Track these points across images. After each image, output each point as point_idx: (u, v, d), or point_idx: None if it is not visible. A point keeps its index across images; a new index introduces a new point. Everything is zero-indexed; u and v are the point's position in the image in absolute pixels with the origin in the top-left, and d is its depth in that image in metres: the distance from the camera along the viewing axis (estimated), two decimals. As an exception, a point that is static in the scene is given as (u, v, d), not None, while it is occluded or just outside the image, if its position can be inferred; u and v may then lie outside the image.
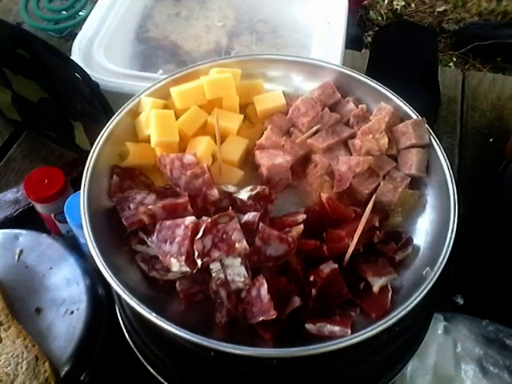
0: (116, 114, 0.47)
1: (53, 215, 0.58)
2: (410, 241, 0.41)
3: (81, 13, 0.90)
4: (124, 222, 0.41)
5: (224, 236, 0.37)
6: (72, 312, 0.52)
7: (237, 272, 0.37)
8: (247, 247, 0.36)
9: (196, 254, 0.36)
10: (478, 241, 0.63)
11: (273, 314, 0.35)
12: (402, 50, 0.72)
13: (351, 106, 0.49)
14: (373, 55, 0.74)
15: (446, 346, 0.51)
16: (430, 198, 0.44)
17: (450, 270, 0.60)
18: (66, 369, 0.48)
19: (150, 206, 0.39)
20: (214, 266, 0.37)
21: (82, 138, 0.68)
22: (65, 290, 0.53)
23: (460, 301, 0.58)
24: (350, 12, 1.27)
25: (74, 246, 0.58)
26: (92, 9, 0.76)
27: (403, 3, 2.29)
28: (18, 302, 0.53)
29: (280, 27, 0.71)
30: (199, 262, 0.36)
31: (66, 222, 0.58)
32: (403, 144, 0.45)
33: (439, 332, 0.51)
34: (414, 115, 0.46)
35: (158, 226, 0.39)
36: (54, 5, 0.89)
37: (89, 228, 0.38)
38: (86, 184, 0.42)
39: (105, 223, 0.41)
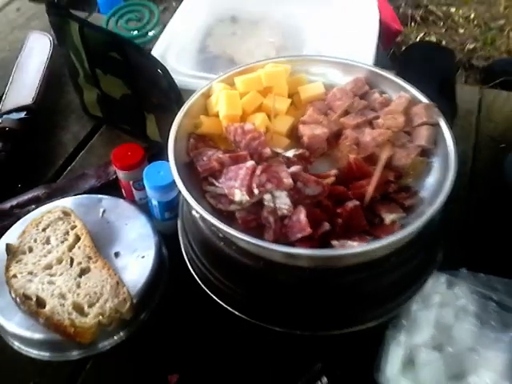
0: (192, 96, 0.61)
1: (131, 182, 0.72)
2: (417, 192, 0.53)
3: (150, 33, 1.07)
4: (199, 169, 0.54)
5: (275, 174, 0.50)
6: (143, 257, 0.65)
7: (283, 202, 0.49)
8: (292, 183, 0.49)
9: (254, 186, 0.49)
10: (486, 224, 0.74)
11: (308, 232, 0.47)
12: (423, 66, 0.85)
13: (377, 95, 0.62)
14: (397, 70, 0.87)
15: (447, 297, 0.61)
16: (436, 164, 0.55)
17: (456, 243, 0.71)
18: (134, 300, 0.60)
19: (220, 155, 0.53)
20: (266, 197, 0.50)
21: (152, 129, 0.83)
22: (137, 240, 0.67)
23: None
24: (384, 48, 1.42)
25: (145, 210, 0.71)
26: (161, 30, 0.92)
27: (435, 40, 2.41)
28: (102, 247, 0.66)
29: (320, 43, 0.85)
30: (256, 191, 0.49)
31: (141, 190, 0.72)
32: (416, 122, 0.57)
33: (442, 285, 0.62)
34: (426, 100, 0.58)
35: (225, 170, 0.52)
36: (130, 24, 1.06)
37: (177, 176, 0.51)
38: (172, 144, 0.55)
39: (184, 172, 0.54)
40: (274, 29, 0.91)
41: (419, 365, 0.57)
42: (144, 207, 0.72)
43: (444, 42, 2.44)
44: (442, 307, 0.61)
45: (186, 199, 0.50)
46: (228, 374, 0.58)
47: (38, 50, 1.02)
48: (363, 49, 0.80)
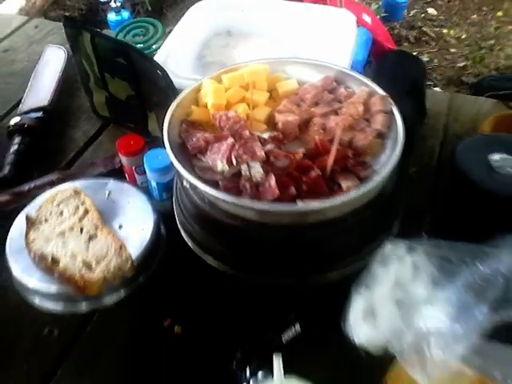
0: (184, 90, 0.72)
1: (133, 167, 0.83)
2: (371, 166, 0.63)
3: (154, 46, 1.19)
4: (189, 147, 0.65)
5: (250, 149, 0.60)
6: (143, 229, 0.75)
7: (257, 171, 0.60)
8: (264, 155, 0.60)
9: (233, 158, 0.60)
10: (448, 207, 0.84)
11: (277, 194, 0.57)
12: (394, 72, 0.96)
13: (342, 90, 0.72)
14: (372, 75, 0.98)
15: (405, 260, 0.70)
16: (388, 144, 0.66)
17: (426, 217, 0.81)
18: (135, 263, 0.71)
19: (206, 135, 0.63)
20: (243, 167, 0.60)
21: (153, 125, 0.94)
22: (138, 216, 0.77)
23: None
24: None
25: (145, 192, 0.82)
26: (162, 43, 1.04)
27: (427, 59, 2.54)
28: (107, 221, 0.76)
29: (302, 51, 0.96)
30: (234, 162, 0.60)
31: (142, 174, 0.83)
32: (373, 110, 0.68)
33: (402, 249, 0.71)
34: (382, 93, 0.69)
35: (210, 146, 0.63)
36: (136, 39, 1.19)
37: (170, 151, 0.62)
38: (166, 129, 0.66)
39: (177, 151, 0.64)
40: (262, 40, 1.03)
41: (378, 315, 0.66)
42: (144, 190, 0.82)
43: (436, 61, 2.56)
44: (400, 267, 0.70)
45: (178, 171, 0.61)
46: (216, 322, 0.68)
47: (53, 60, 1.14)
48: (341, 54, 0.91)
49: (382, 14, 2.69)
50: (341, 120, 0.66)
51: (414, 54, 2.54)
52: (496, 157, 0.74)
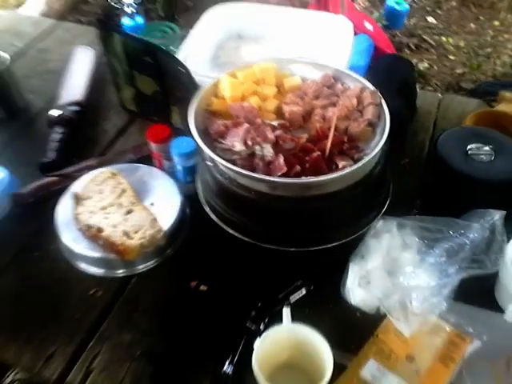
0: (205, 85, 0.85)
1: (162, 153, 0.96)
2: (363, 150, 0.76)
3: (171, 47, 1.32)
4: (211, 132, 0.78)
5: (263, 133, 0.73)
6: (172, 206, 0.88)
7: (268, 151, 0.73)
8: (274, 138, 0.73)
9: (248, 140, 0.73)
10: (435, 190, 0.95)
11: (284, 169, 0.70)
12: (388, 73, 1.09)
13: (339, 86, 0.86)
14: (369, 76, 1.11)
15: (396, 235, 0.82)
16: (378, 131, 0.79)
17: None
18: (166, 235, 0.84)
19: (225, 122, 0.77)
20: (257, 148, 0.73)
21: (176, 118, 1.07)
22: (166, 196, 0.90)
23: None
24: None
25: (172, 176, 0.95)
26: (180, 45, 1.17)
27: (427, 65, 2.66)
28: (141, 199, 0.89)
29: (305, 52, 1.09)
30: (250, 143, 0.73)
31: (169, 160, 0.95)
32: (365, 103, 0.81)
33: (393, 226, 0.83)
34: (372, 88, 0.82)
35: (229, 131, 0.76)
36: (155, 41, 1.31)
37: (195, 132, 0.75)
38: (192, 116, 0.79)
39: (201, 135, 0.77)
40: (270, 42, 1.16)
41: (371, 281, 0.79)
42: (171, 174, 0.95)
43: (436, 67, 2.68)
44: (392, 241, 0.82)
45: (203, 152, 0.74)
46: (235, 284, 0.80)
47: (83, 60, 1.28)
48: (339, 55, 1.04)
49: (384, 22, 2.81)
50: (337, 110, 0.79)
51: (415, 60, 2.67)
52: (472, 146, 0.86)
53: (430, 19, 2.98)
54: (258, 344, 0.64)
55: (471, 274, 0.69)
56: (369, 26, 2.33)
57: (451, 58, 2.69)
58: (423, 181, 0.97)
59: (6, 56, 1.13)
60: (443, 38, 2.82)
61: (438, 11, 3.04)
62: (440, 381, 0.68)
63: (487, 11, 3.00)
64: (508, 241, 0.73)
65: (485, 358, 0.71)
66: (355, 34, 1.58)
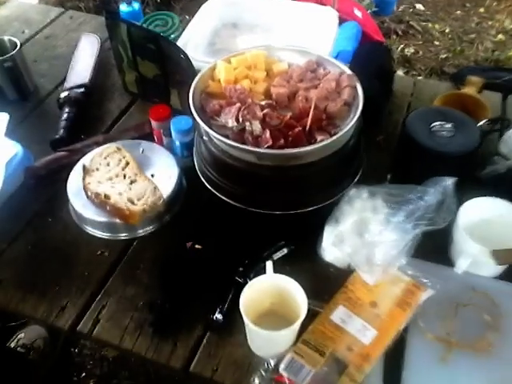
0: (203, 69, 0.96)
1: (162, 130, 1.07)
2: (339, 126, 0.88)
3: (172, 35, 1.43)
4: (207, 110, 0.89)
5: (252, 111, 0.85)
6: (170, 177, 1.00)
7: (257, 127, 0.84)
8: (262, 116, 0.84)
9: (239, 117, 0.84)
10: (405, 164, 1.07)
11: (270, 142, 0.81)
12: (367, 59, 1.20)
13: (321, 70, 0.97)
14: (351, 61, 1.22)
15: (366, 202, 0.94)
16: (353, 110, 0.90)
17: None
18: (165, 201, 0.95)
19: (220, 101, 0.88)
20: (247, 124, 0.84)
21: (175, 100, 1.18)
22: (166, 168, 1.00)
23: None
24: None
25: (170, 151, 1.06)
26: (180, 33, 1.28)
27: (413, 50, 2.77)
28: (143, 171, 1.01)
29: (293, 39, 1.20)
30: (241, 119, 0.84)
31: (168, 137, 1.07)
32: (342, 85, 0.92)
33: (365, 193, 0.95)
34: (349, 72, 0.93)
35: (223, 110, 0.87)
36: (156, 29, 1.42)
37: (193, 110, 0.87)
38: (191, 96, 0.90)
39: (199, 112, 0.89)
40: (261, 31, 1.27)
41: (344, 241, 0.91)
42: (169, 149, 1.06)
43: (421, 52, 2.79)
44: (362, 206, 0.94)
45: (200, 127, 0.86)
46: (225, 244, 0.92)
47: (88, 46, 1.38)
48: (323, 43, 1.16)
49: (373, 9, 2.91)
50: (318, 92, 0.91)
51: (401, 45, 2.78)
52: (435, 124, 0.98)
53: (418, 6, 3.08)
54: (244, 291, 0.76)
55: (424, 230, 0.81)
56: (358, 13, 2.43)
57: (436, 43, 2.80)
58: (395, 156, 1.08)
59: (17, 42, 1.23)
60: (430, 25, 2.93)
61: (427, -2, 3.14)
62: (397, 323, 0.81)
63: (473, -2, 3.11)
64: (459, 203, 0.86)
65: (437, 304, 0.83)
66: (345, 20, 1.70)
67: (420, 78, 2.34)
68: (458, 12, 3.02)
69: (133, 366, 1.56)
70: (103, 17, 1.18)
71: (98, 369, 1.56)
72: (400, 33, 2.88)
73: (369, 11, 2.82)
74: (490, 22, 2.91)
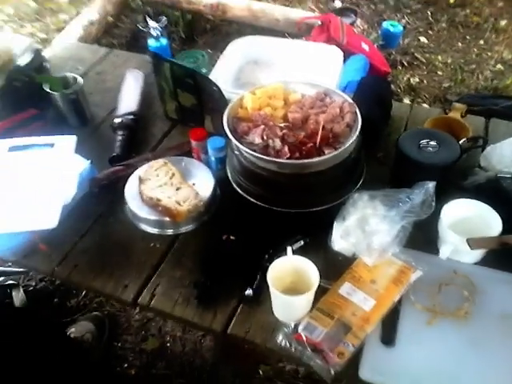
0: (233, 99, 1.21)
1: (200, 149, 1.31)
2: (344, 142, 1.11)
3: (203, 69, 1.68)
4: (238, 131, 1.13)
5: (273, 131, 1.09)
6: (207, 185, 1.23)
7: (278, 143, 1.07)
8: (281, 135, 1.08)
9: (264, 136, 1.08)
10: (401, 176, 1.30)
11: (288, 155, 1.05)
12: (370, 89, 1.44)
13: (328, 99, 1.21)
14: (355, 91, 1.46)
15: (367, 203, 1.17)
16: (353, 130, 1.13)
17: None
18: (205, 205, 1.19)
19: (248, 124, 1.12)
20: (270, 141, 1.08)
21: (208, 124, 1.43)
22: (204, 179, 1.24)
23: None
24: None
25: (207, 165, 1.30)
26: (209, 68, 1.54)
27: (418, 80, 3.01)
28: (185, 181, 1.25)
29: (304, 74, 1.44)
30: (265, 137, 1.08)
31: (205, 154, 1.31)
32: (345, 111, 1.16)
33: (366, 196, 1.17)
34: (350, 101, 1.17)
35: (251, 130, 1.11)
36: (190, 65, 1.68)
37: (228, 131, 1.11)
38: (226, 120, 1.15)
39: (232, 132, 1.13)
40: (279, 68, 1.52)
41: (350, 235, 1.13)
42: (206, 164, 1.30)
43: (425, 82, 3.03)
44: (364, 207, 1.16)
45: (233, 143, 1.10)
46: (254, 237, 1.14)
47: (133, 80, 1.64)
48: (330, 77, 1.40)
49: (380, 43, 3.18)
50: (325, 116, 1.14)
51: (407, 76, 3.02)
52: (423, 141, 1.21)
53: (422, 39, 3.33)
54: (270, 267, 0.99)
55: (410, 221, 1.04)
56: (365, 47, 2.70)
57: (439, 73, 3.04)
58: (392, 169, 1.31)
59: (80, 79, 1.50)
60: (433, 56, 3.17)
61: (430, 32, 3.40)
62: (392, 295, 1.02)
63: (473, 31, 3.36)
64: (442, 203, 1.08)
65: (424, 283, 1.05)
66: (353, 53, 1.96)
67: (417, 105, 2.57)
68: (460, 44, 3.26)
69: (169, 357, 1.77)
70: (143, 54, 1.43)
71: (137, 360, 1.78)
72: (406, 64, 3.12)
73: (376, 45, 3.10)
74: (489, 53, 3.15)
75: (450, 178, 1.20)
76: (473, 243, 1.03)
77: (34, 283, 2.03)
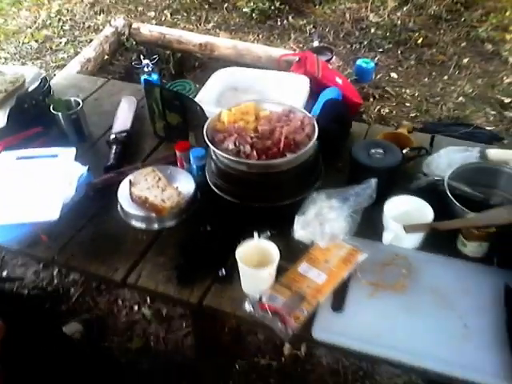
0: (213, 115, 1.44)
1: (184, 158, 1.53)
2: (303, 148, 1.34)
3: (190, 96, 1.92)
4: (216, 140, 1.35)
5: (244, 139, 1.31)
6: (188, 188, 1.45)
7: (248, 149, 1.30)
8: (251, 142, 1.30)
9: (236, 143, 1.31)
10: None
11: (256, 158, 1.27)
12: (328, 109, 1.68)
13: (292, 115, 1.44)
14: (319, 112, 1.69)
15: (325, 201, 1.38)
16: (312, 139, 1.36)
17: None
18: (186, 203, 1.41)
19: (224, 134, 1.35)
20: (241, 147, 1.30)
21: (192, 140, 1.65)
22: (186, 183, 1.46)
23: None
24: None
25: (189, 173, 1.52)
26: (195, 95, 1.78)
27: (388, 110, 3.28)
28: (170, 184, 1.46)
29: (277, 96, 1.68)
30: (237, 144, 1.30)
31: (188, 163, 1.53)
32: (305, 124, 1.39)
33: (323, 195, 1.38)
34: (310, 116, 1.40)
35: (226, 138, 1.34)
36: (177, 89, 1.92)
37: (207, 139, 1.33)
38: (205, 131, 1.37)
39: (211, 141, 1.35)
40: (255, 92, 1.76)
41: (309, 226, 1.33)
42: (188, 171, 1.52)
43: (394, 112, 3.30)
44: (321, 203, 1.37)
45: (212, 150, 1.32)
46: (228, 227, 1.35)
47: (127, 104, 1.87)
48: (298, 99, 1.64)
49: (354, 77, 3.47)
50: (288, 128, 1.37)
51: (378, 107, 3.29)
52: (372, 150, 1.44)
53: (393, 74, 3.63)
54: (239, 247, 1.19)
55: (355, 208, 1.25)
56: (339, 80, 2.98)
57: (407, 104, 3.32)
58: (348, 174, 1.53)
59: (79, 101, 1.73)
60: (402, 90, 3.46)
61: (400, 68, 3.71)
62: (342, 272, 1.22)
63: (439, 68, 3.67)
64: (384, 197, 1.30)
65: (370, 263, 1.25)
66: (328, 86, 2.22)
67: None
68: (426, 79, 3.57)
69: (152, 355, 1.94)
70: (136, 84, 1.66)
71: (123, 357, 1.94)
72: (377, 96, 3.40)
73: (350, 79, 3.39)
74: (452, 87, 3.44)
75: (397, 181, 1.42)
76: (408, 228, 1.24)
77: (26, 291, 2.21)
